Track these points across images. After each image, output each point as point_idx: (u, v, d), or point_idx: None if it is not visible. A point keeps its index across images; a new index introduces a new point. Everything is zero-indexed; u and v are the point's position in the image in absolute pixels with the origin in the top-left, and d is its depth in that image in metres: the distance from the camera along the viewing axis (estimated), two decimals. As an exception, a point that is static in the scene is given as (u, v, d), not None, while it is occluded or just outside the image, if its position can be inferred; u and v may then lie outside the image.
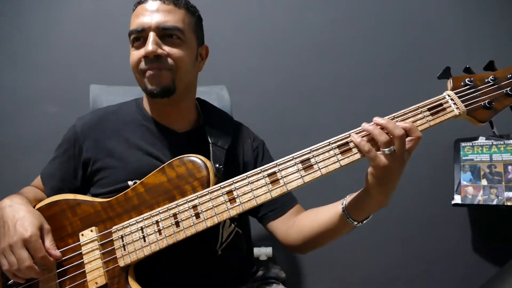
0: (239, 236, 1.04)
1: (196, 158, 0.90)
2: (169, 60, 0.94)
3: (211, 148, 0.97)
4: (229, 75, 1.71)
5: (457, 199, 1.66)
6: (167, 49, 0.94)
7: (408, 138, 0.78)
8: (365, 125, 0.80)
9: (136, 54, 0.95)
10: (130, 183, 0.96)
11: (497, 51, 1.77)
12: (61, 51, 1.68)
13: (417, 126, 0.82)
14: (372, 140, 0.79)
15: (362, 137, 0.80)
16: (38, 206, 0.97)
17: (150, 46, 0.91)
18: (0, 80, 1.67)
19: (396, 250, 1.83)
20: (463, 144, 1.73)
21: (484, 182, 1.64)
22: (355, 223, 0.87)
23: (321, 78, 1.80)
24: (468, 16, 1.84)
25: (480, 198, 1.62)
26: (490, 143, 1.68)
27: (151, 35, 0.92)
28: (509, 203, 1.57)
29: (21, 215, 0.88)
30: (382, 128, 0.78)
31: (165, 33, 0.94)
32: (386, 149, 0.76)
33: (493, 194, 1.60)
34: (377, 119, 0.79)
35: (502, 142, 1.66)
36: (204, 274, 0.97)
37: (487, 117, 0.84)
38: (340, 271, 1.83)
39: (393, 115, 0.82)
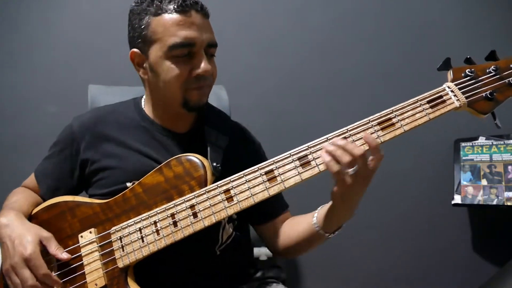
0: (239, 238, 1.04)
1: (193, 157, 0.89)
2: (212, 78, 0.96)
3: (208, 148, 0.97)
4: (228, 74, 1.70)
5: (457, 199, 1.65)
6: (212, 67, 0.95)
7: (370, 158, 0.78)
8: (326, 146, 0.79)
9: (182, 69, 0.91)
10: (128, 184, 0.95)
11: (498, 47, 1.76)
12: (60, 51, 1.68)
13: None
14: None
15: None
16: (37, 209, 0.96)
17: (208, 65, 0.91)
18: (-1, 80, 1.67)
19: (396, 250, 1.83)
20: (463, 144, 1.73)
21: (484, 182, 1.63)
22: (326, 234, 0.89)
23: (320, 78, 1.80)
24: (469, 13, 1.84)
25: (480, 198, 1.62)
26: (490, 143, 1.67)
27: (203, 53, 0.92)
28: (509, 203, 1.56)
29: (18, 233, 0.86)
30: (343, 149, 0.77)
31: (209, 50, 0.94)
32: (351, 170, 0.76)
33: (493, 194, 1.60)
34: (336, 140, 0.78)
35: (502, 142, 1.65)
36: (204, 274, 0.97)
37: (488, 109, 0.81)
38: (340, 271, 1.82)
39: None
